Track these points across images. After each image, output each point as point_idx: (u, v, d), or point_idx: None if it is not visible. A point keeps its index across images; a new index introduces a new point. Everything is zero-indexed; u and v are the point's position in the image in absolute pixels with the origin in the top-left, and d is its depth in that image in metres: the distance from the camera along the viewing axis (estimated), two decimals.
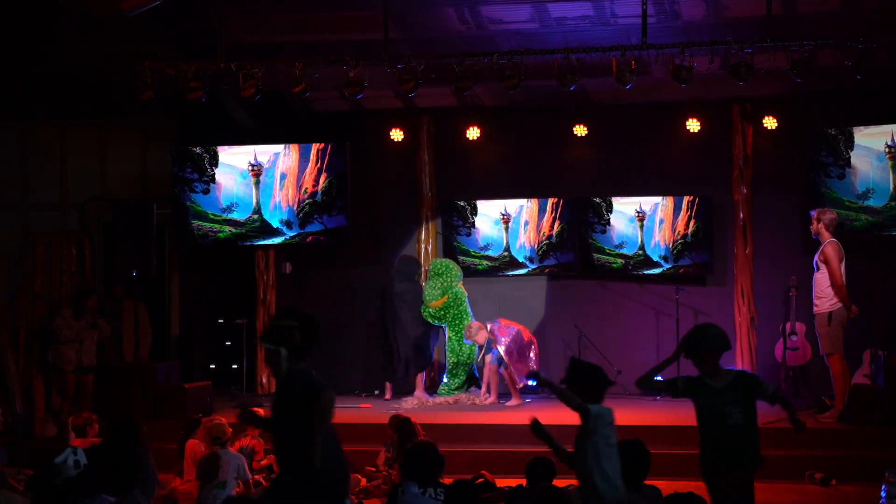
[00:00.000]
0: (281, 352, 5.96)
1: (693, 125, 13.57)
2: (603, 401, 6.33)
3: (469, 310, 13.43)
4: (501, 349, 12.68)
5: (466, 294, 13.52)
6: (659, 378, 6.81)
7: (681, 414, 11.80)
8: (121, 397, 12.06)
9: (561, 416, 11.82)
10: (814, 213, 11.19)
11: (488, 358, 12.91)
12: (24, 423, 12.05)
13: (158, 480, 8.32)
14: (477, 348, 13.27)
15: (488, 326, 12.88)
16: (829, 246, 10.86)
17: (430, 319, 13.50)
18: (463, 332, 13.22)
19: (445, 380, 13.49)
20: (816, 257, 11.02)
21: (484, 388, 13.02)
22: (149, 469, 8.00)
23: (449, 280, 13.44)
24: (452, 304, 13.37)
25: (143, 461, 7.89)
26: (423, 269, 13.92)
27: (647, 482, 6.46)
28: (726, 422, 6.45)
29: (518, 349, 12.75)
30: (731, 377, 6.52)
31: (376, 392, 13.87)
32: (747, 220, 13.58)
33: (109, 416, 9.29)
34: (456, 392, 13.20)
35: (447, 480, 6.97)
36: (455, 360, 13.41)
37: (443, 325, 13.54)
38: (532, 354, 12.93)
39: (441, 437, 9.97)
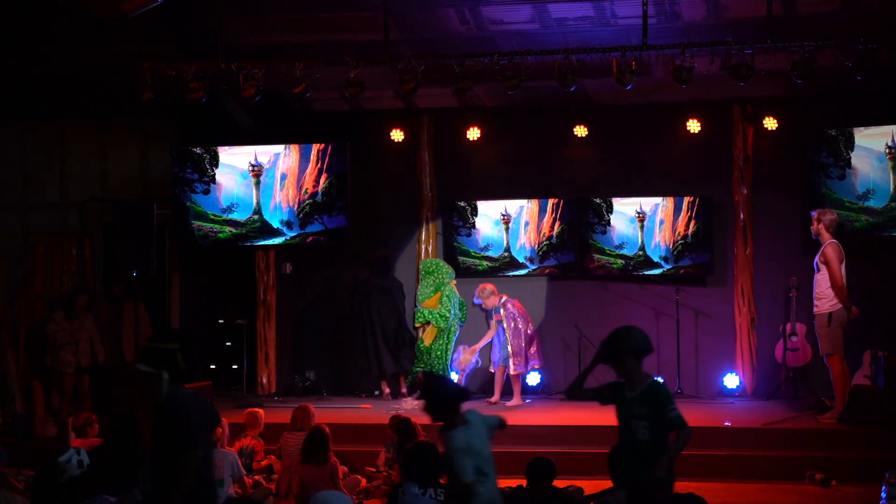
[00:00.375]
0: (162, 375, 5.89)
1: (693, 126, 13.57)
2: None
3: (455, 309, 13.46)
4: (509, 328, 12.62)
5: (458, 296, 13.55)
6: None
7: None
8: (121, 397, 12.05)
9: (562, 417, 11.87)
10: (814, 214, 11.19)
11: (492, 322, 12.84)
12: (24, 424, 12.05)
13: None
14: (455, 345, 13.31)
15: (502, 299, 12.80)
16: (830, 247, 10.86)
17: (423, 321, 13.50)
18: (449, 331, 13.27)
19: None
20: (817, 258, 11.01)
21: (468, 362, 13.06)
22: (150, 470, 7.99)
23: (440, 277, 13.53)
24: (444, 302, 13.40)
25: (145, 462, 7.88)
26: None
27: None
28: (633, 434, 6.26)
29: (525, 337, 12.71)
30: (643, 389, 6.30)
31: (376, 392, 13.86)
32: (747, 220, 13.58)
33: (109, 416, 9.29)
34: None
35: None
36: (442, 362, 13.39)
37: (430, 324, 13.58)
38: (533, 350, 12.90)
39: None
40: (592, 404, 12.80)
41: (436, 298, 13.48)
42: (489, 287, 12.95)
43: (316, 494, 6.23)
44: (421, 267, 13.85)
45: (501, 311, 12.75)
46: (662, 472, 6.15)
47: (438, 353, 13.39)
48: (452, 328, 13.45)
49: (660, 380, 6.53)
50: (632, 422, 6.24)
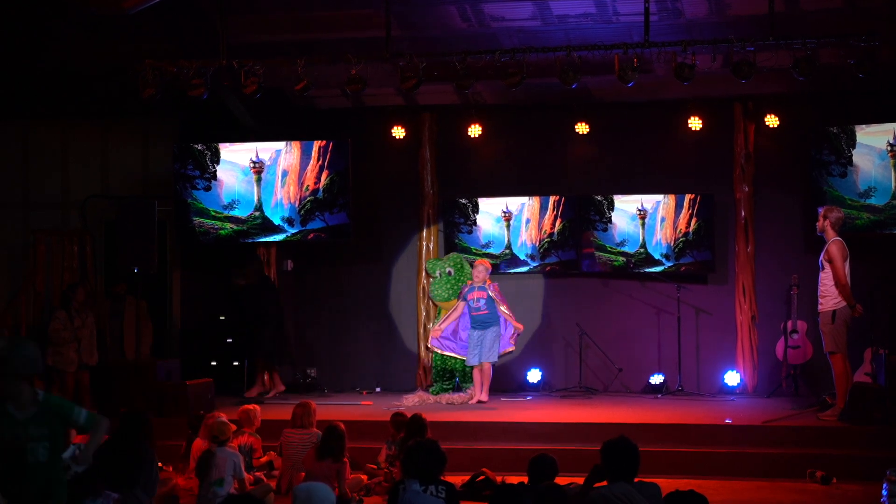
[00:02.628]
0: None
1: (695, 123, 13.56)
2: None
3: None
4: (504, 308, 12.59)
5: None
6: None
7: (681, 412, 11.83)
8: (122, 395, 12.08)
9: (563, 414, 11.86)
10: (821, 211, 11.16)
11: (461, 304, 12.72)
12: None
13: (160, 478, 8.33)
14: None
15: (491, 286, 12.70)
16: (833, 245, 10.84)
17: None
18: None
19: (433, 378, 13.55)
20: (821, 256, 10.99)
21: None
22: (153, 469, 8.00)
23: (465, 276, 13.52)
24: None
25: (149, 460, 7.88)
26: None
27: (647, 479, 6.43)
28: (28, 458, 5.83)
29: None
30: (37, 409, 5.86)
31: (377, 389, 13.89)
32: (749, 218, 13.58)
33: (110, 413, 9.27)
34: (446, 392, 13.14)
35: (454, 478, 6.95)
36: (443, 359, 13.38)
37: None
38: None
39: (442, 434, 9.95)
40: (594, 401, 12.86)
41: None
42: (487, 264, 12.86)
43: (298, 485, 6.21)
44: (450, 263, 13.50)
45: (490, 290, 12.59)
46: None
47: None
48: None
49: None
50: (28, 445, 5.84)
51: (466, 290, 12.76)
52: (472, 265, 12.99)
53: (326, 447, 9.11)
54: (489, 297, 12.58)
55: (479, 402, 12.48)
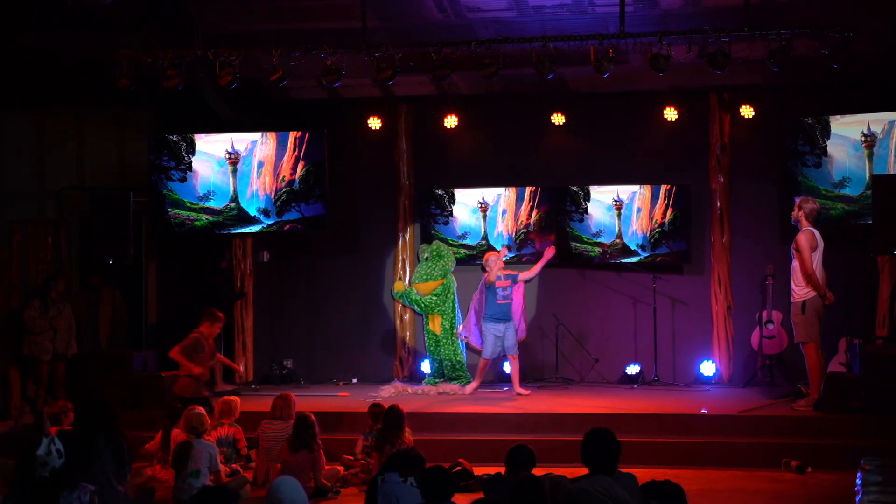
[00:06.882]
0: None
1: (670, 114, 13.60)
2: None
3: (457, 301, 13.45)
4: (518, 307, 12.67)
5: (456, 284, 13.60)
6: None
7: (657, 402, 11.86)
8: (97, 386, 12.03)
9: (541, 405, 11.90)
10: (797, 201, 11.21)
11: (505, 283, 12.65)
12: None
13: (130, 466, 8.28)
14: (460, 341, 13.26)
15: (503, 275, 12.64)
16: (802, 235, 10.89)
17: (416, 307, 13.53)
18: (451, 317, 13.24)
19: (431, 370, 13.55)
20: (792, 246, 11.05)
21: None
22: (124, 455, 7.95)
23: (449, 264, 13.50)
24: (445, 291, 13.41)
25: (119, 446, 7.83)
26: None
27: (624, 469, 6.44)
28: None
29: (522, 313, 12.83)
30: None
31: (354, 381, 13.88)
32: (724, 208, 13.63)
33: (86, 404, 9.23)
34: (440, 382, 13.15)
35: None
36: (437, 352, 13.40)
37: (423, 314, 13.58)
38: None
39: (419, 425, 10.01)
40: (570, 391, 12.88)
41: (436, 284, 13.43)
42: (498, 257, 12.83)
43: (273, 482, 6.23)
44: (433, 248, 13.70)
45: (511, 288, 12.58)
46: None
47: (432, 343, 13.39)
48: (453, 314, 13.44)
49: None
50: None
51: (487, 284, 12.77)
52: (451, 256, 13.34)
53: (299, 438, 9.11)
54: (513, 283, 12.61)
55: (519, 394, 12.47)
